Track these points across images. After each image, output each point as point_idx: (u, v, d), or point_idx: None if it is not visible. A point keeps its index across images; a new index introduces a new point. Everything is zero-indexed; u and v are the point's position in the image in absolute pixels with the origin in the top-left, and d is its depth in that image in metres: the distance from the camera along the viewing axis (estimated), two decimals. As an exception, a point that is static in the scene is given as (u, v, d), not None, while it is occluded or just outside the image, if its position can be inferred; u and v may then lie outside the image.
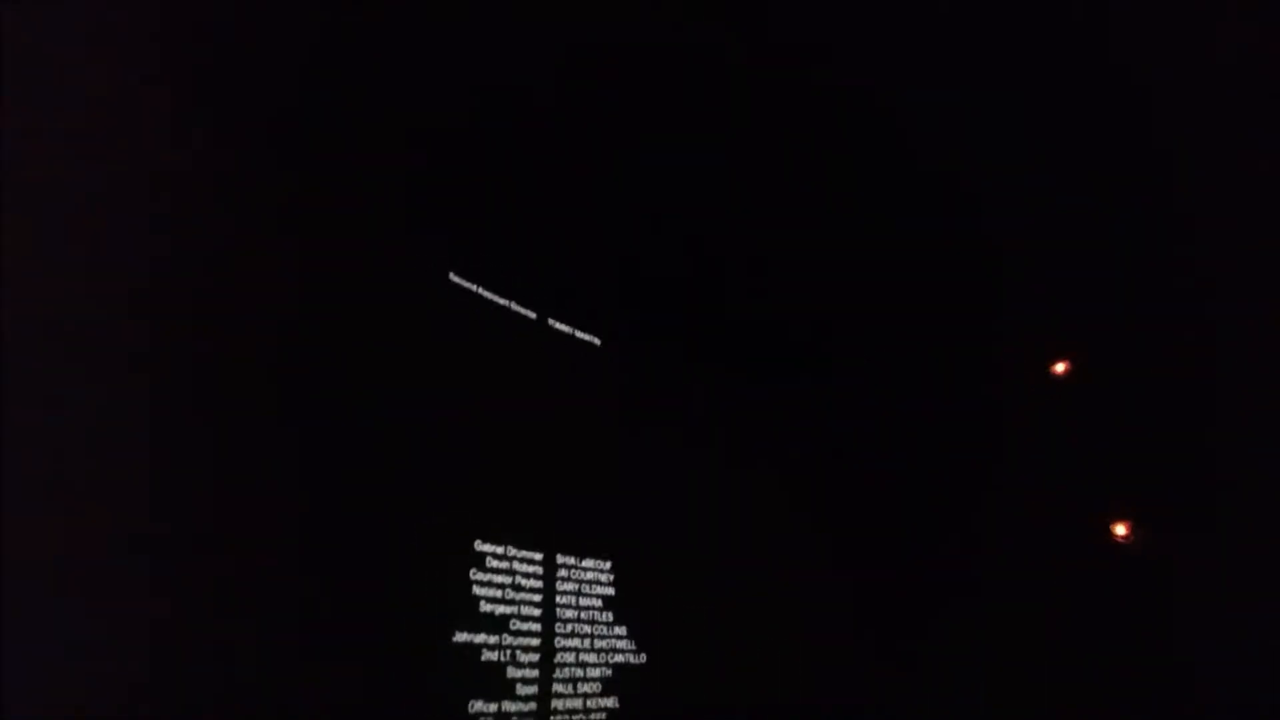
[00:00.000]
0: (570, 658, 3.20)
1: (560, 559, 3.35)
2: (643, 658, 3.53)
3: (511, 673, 2.95)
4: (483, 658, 2.87)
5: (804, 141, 3.42)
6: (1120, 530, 3.86)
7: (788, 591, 4.49)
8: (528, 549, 3.22)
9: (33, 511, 1.83)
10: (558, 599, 3.26)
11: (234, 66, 2.56)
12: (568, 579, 3.35)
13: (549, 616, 3.19)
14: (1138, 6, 2.82)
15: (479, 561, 3.00)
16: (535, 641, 3.09)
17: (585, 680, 3.22)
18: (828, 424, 5.12)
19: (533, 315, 3.53)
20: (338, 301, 2.72)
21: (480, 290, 3.27)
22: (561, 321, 3.68)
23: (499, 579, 3.05)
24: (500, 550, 3.10)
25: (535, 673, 3.03)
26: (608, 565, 3.57)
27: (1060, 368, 4.30)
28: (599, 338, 3.86)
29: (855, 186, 3.71)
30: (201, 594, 2.13)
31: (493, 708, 2.82)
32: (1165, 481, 3.85)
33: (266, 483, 2.40)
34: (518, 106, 3.12)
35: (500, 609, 3.00)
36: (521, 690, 2.96)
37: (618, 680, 3.36)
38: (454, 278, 3.16)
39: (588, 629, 3.34)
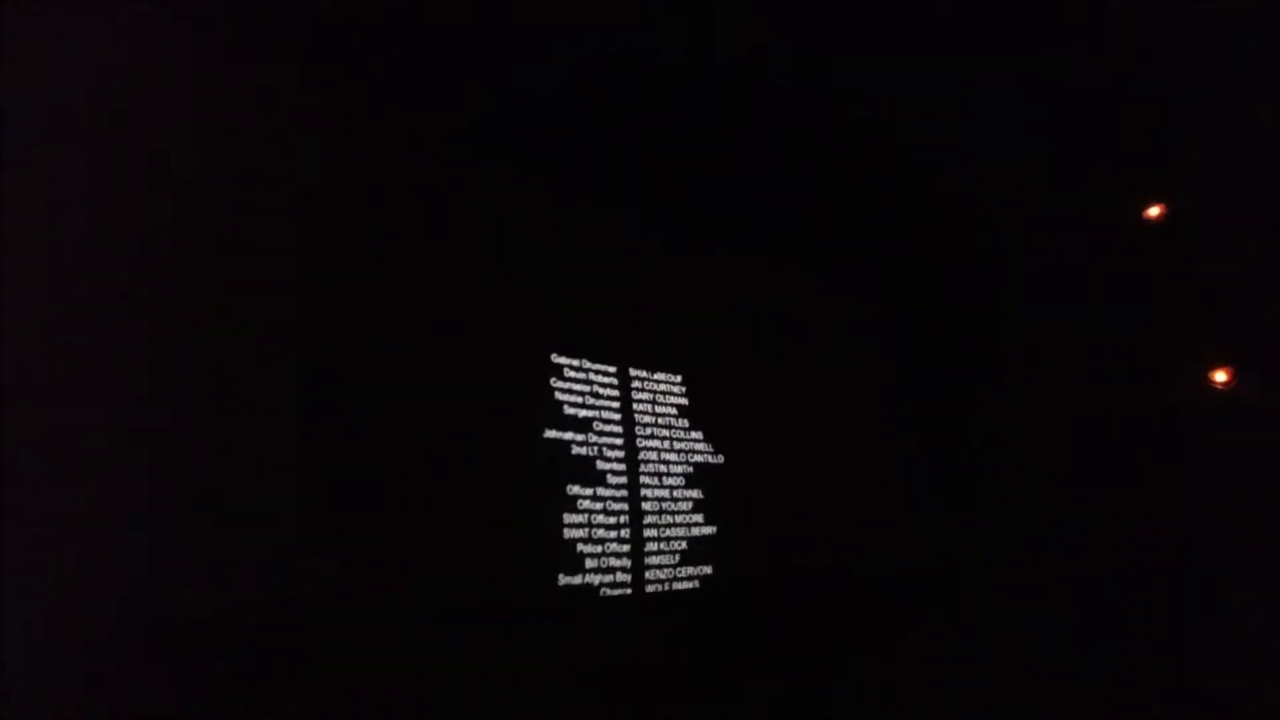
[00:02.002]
0: (653, 455, 3.47)
1: (633, 371, 3.56)
2: (720, 458, 3.77)
3: (600, 465, 3.24)
4: (573, 451, 3.17)
5: None
6: (1220, 377, 3.68)
7: (852, 403, 4.62)
8: (601, 362, 3.43)
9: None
10: (635, 406, 3.50)
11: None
12: (642, 389, 3.57)
13: (628, 420, 3.44)
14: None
15: (558, 371, 3.25)
16: (619, 441, 3.36)
17: (669, 475, 3.50)
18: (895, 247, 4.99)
19: None
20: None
21: None
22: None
23: (577, 387, 3.29)
24: (576, 363, 3.33)
25: (622, 466, 3.32)
26: (679, 379, 3.77)
27: (1155, 211, 4.07)
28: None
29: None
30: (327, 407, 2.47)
31: (588, 492, 3.14)
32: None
33: (376, 313, 2.67)
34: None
35: (583, 412, 3.27)
36: (612, 480, 3.26)
37: (699, 477, 3.63)
38: None
39: (666, 432, 3.59)
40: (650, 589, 3.19)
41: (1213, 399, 3.67)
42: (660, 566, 3.28)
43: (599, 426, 3.30)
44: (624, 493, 3.28)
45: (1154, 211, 4.03)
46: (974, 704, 3.30)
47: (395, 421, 2.61)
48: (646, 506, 3.33)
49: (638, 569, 3.18)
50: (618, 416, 3.40)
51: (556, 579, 2.89)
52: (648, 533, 3.29)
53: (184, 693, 1.98)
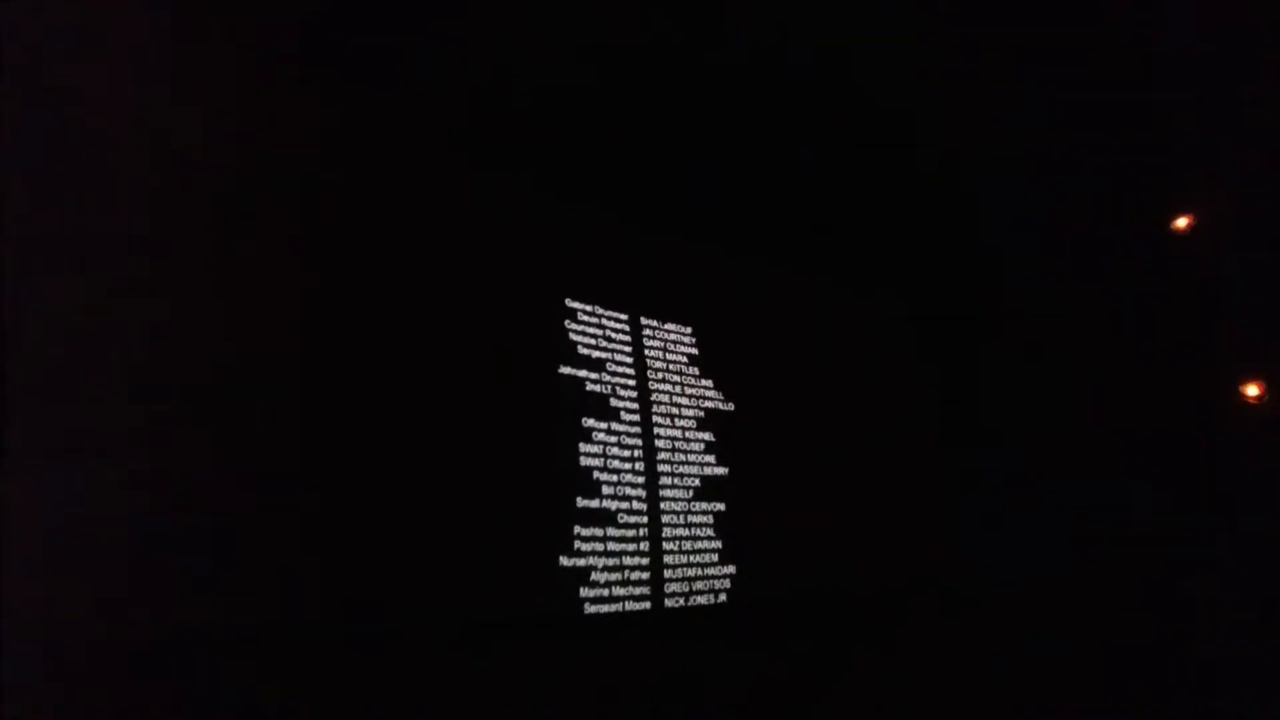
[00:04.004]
0: (665, 398, 3.59)
1: (644, 320, 3.72)
2: (731, 406, 3.88)
3: (614, 403, 3.38)
4: (587, 388, 3.31)
5: None
6: (1252, 391, 3.64)
7: (864, 365, 4.72)
8: (614, 309, 3.60)
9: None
10: (646, 352, 3.64)
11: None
12: (653, 337, 3.72)
13: (640, 365, 3.58)
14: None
15: (571, 315, 3.41)
16: (631, 382, 3.49)
17: (680, 416, 3.62)
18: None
19: None
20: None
21: None
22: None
23: (590, 330, 3.45)
24: (589, 308, 3.49)
25: (635, 405, 3.45)
26: (689, 330, 3.91)
27: (1182, 223, 4.08)
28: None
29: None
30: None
31: (603, 425, 3.27)
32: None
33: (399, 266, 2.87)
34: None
35: (596, 354, 3.42)
36: (625, 417, 3.39)
37: (710, 421, 3.74)
38: None
39: (677, 378, 3.71)
40: (665, 519, 3.29)
41: (1241, 413, 3.58)
42: (675, 500, 3.38)
43: (612, 368, 3.45)
44: (637, 429, 3.40)
45: (1182, 223, 4.04)
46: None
47: (423, 352, 2.79)
48: (659, 444, 3.45)
49: (653, 501, 3.29)
50: (630, 360, 3.55)
51: (575, 501, 3.01)
52: (661, 468, 3.40)
53: (185, 699, 1.94)
